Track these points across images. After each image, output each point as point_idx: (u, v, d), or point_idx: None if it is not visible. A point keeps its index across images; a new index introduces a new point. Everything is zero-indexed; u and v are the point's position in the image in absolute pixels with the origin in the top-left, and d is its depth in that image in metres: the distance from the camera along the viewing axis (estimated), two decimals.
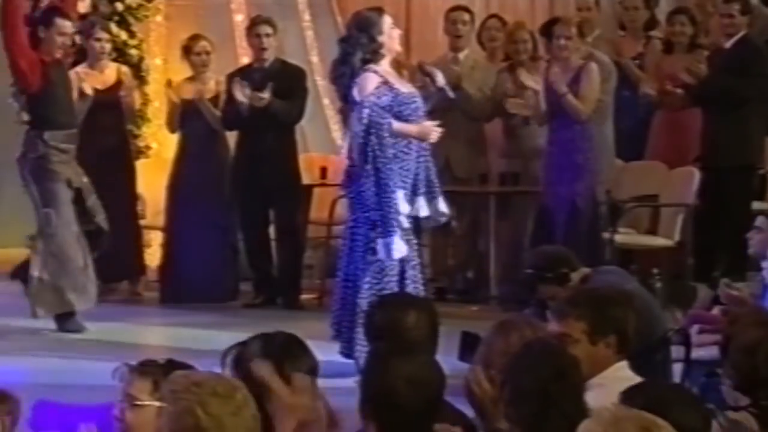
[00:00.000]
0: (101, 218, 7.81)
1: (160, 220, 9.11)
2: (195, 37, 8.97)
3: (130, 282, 8.83)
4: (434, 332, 4.04)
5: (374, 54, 6.43)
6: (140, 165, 9.03)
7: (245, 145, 8.53)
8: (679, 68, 8.28)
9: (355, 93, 6.45)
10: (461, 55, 8.52)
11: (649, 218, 8.47)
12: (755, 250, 5.86)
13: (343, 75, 6.63)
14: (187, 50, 8.81)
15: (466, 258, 8.82)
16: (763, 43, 8.46)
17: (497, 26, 8.71)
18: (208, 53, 8.73)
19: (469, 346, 5.44)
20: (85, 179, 7.74)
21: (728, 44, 8.18)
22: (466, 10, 8.75)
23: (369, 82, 6.43)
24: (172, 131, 8.96)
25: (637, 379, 3.72)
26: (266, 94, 8.25)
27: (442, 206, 6.81)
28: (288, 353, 3.33)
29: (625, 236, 8.22)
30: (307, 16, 10.25)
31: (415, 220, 6.69)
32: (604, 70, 8.01)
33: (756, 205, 8.27)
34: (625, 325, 3.84)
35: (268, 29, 8.57)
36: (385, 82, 6.44)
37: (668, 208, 8.31)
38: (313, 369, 3.35)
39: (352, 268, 6.60)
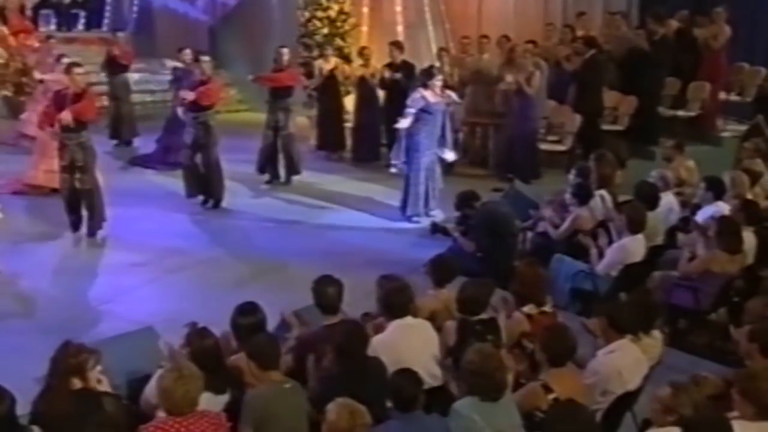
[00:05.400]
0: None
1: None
2: (364, 47, 14.50)
3: (341, 150, 14.33)
4: (340, 295, 5.65)
5: (428, 82, 10.65)
6: (347, 99, 14.55)
7: (390, 95, 13.73)
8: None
9: (416, 98, 10.63)
10: (485, 56, 13.99)
11: (561, 135, 13.84)
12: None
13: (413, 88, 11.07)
14: (360, 52, 14.37)
15: (482, 148, 13.88)
16: (604, 59, 13.64)
17: (504, 41, 14.00)
18: (370, 52, 14.23)
19: (435, 228, 10.25)
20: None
21: (586, 56, 13.65)
22: (486, 37, 14.31)
23: (417, 96, 10.56)
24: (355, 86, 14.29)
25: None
26: (398, 75, 13.40)
27: (449, 154, 10.76)
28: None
29: (550, 144, 13.65)
30: (430, 26, 15.57)
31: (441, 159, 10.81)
32: (543, 72, 13.21)
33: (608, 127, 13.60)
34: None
35: (397, 48, 13.96)
36: (424, 98, 10.41)
37: (568, 130, 13.48)
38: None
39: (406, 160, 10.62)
